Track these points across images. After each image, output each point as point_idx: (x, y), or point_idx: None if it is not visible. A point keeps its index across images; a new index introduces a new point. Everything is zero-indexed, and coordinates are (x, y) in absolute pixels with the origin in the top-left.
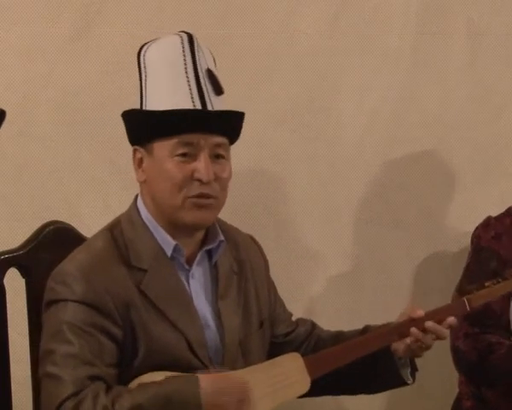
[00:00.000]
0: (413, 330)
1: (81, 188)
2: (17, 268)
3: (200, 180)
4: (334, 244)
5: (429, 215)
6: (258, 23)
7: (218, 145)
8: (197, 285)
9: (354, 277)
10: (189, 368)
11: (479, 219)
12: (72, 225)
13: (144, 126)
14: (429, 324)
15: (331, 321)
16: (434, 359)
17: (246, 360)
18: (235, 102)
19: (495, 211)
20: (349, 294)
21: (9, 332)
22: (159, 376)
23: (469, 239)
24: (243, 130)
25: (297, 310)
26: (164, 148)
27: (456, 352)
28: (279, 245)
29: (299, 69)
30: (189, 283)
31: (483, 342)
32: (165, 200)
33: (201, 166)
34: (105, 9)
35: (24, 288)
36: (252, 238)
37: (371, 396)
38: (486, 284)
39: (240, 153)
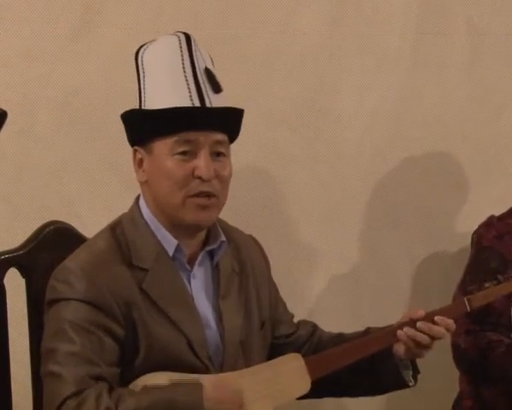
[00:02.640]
0: (400, 332)
1: (81, 188)
2: (17, 268)
3: (200, 178)
4: (334, 244)
5: (429, 215)
6: (258, 23)
7: (219, 142)
8: (198, 285)
9: (354, 277)
10: (189, 367)
11: (479, 219)
12: (72, 225)
13: (143, 126)
14: (420, 324)
15: (331, 321)
16: (434, 358)
17: (246, 359)
18: (235, 102)
19: (495, 211)
20: (349, 294)
21: (9, 332)
22: (160, 376)
23: (469, 239)
24: (243, 130)
25: (297, 310)
26: (163, 146)
27: (456, 349)
28: (279, 245)
29: (299, 69)
30: (190, 283)
31: (483, 340)
32: (166, 199)
33: (202, 163)
34: (105, 9)
35: (24, 288)
36: (253, 239)
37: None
38: (487, 284)
39: (240, 153)
